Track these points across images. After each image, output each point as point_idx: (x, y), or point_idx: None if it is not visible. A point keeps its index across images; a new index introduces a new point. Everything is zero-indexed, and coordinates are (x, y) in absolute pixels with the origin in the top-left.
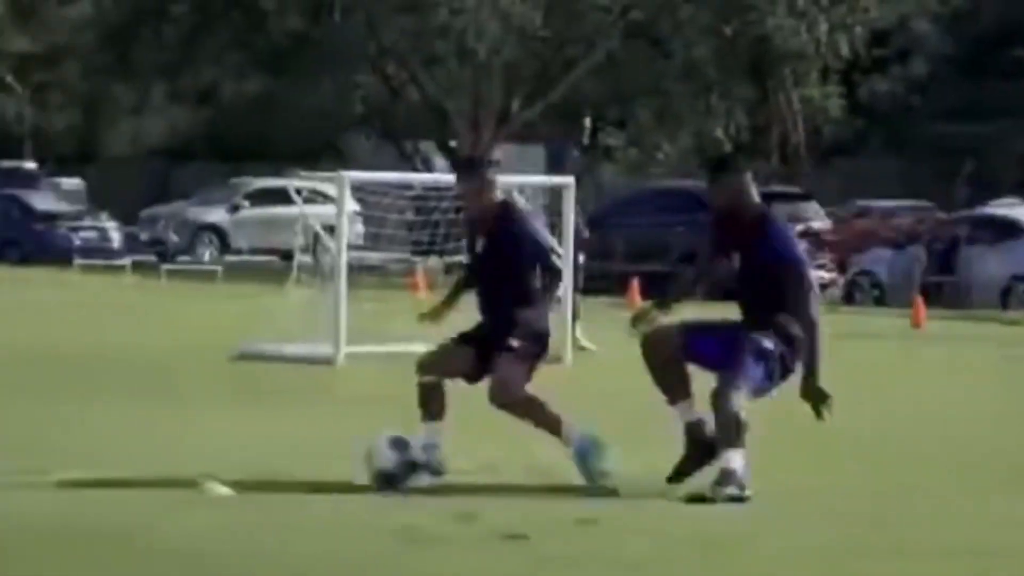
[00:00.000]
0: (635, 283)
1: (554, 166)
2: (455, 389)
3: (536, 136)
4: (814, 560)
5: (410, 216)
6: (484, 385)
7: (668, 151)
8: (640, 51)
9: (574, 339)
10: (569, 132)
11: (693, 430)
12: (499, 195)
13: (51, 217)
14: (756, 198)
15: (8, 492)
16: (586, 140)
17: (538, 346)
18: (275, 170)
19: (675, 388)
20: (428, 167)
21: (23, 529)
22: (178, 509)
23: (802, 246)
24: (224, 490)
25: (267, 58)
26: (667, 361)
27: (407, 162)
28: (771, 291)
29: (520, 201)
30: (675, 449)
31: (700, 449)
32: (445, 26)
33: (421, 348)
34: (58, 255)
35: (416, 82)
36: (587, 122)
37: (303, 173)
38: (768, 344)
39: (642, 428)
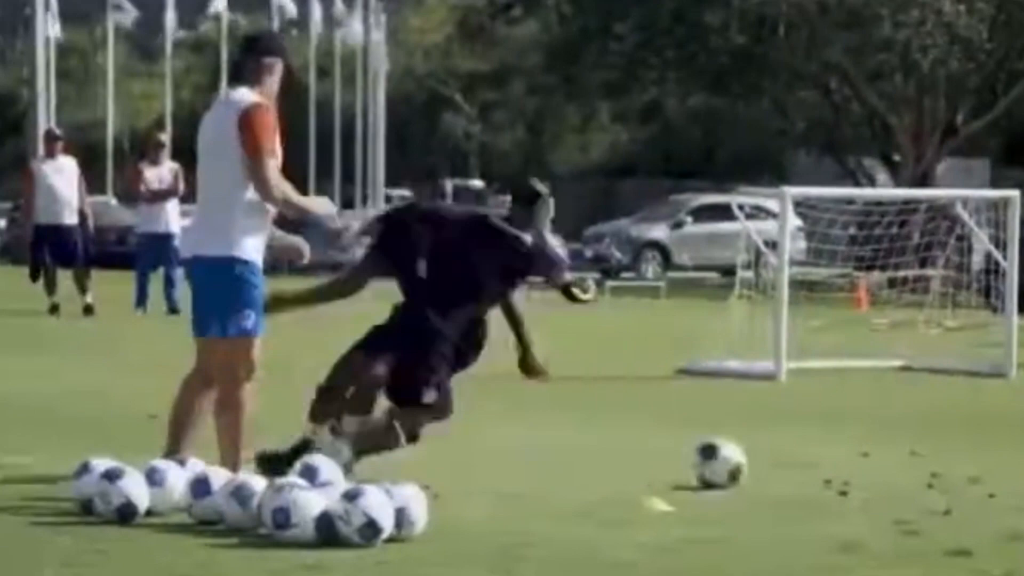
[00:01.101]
0: None
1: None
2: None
3: (981, 150)
4: None
5: (852, 231)
6: None
7: None
8: None
9: None
10: (1013, 145)
11: None
12: None
13: None
14: None
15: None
16: None
17: None
18: (717, 186)
19: None
20: (871, 182)
21: (472, 537)
22: (623, 525)
23: None
24: (665, 507)
25: (710, 75)
26: None
27: (849, 177)
28: None
29: (964, 215)
30: None
31: None
32: (889, 39)
33: (865, 363)
34: None
35: (859, 97)
36: None
37: (745, 189)
38: None
39: None
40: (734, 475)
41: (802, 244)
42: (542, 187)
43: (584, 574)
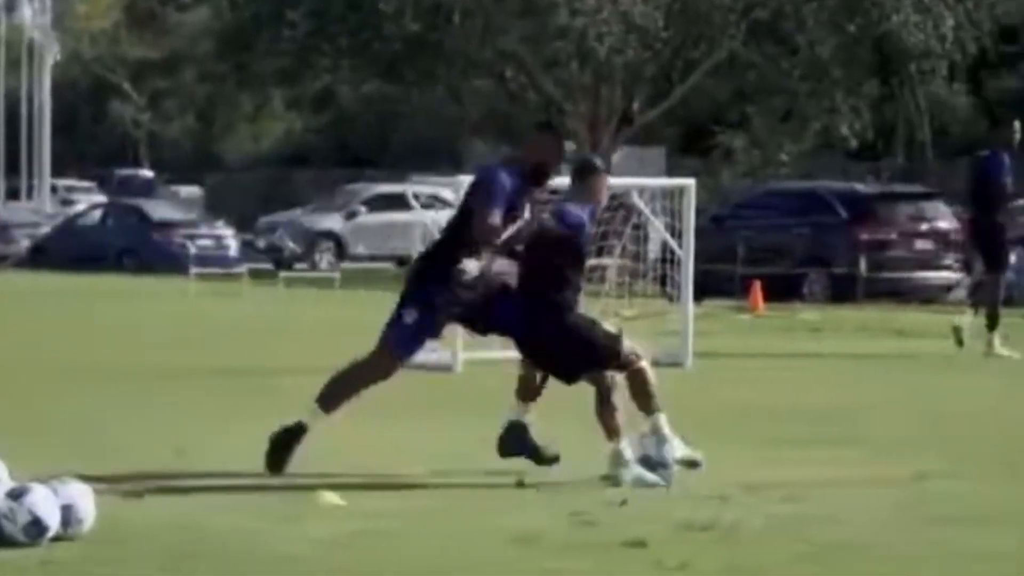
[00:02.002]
0: (757, 286)
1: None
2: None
3: (657, 139)
4: None
5: None
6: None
7: (791, 151)
8: (763, 49)
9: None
10: (690, 134)
11: None
12: None
13: (168, 225)
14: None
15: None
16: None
17: None
18: (392, 175)
19: None
20: None
21: (144, 536)
22: (295, 519)
23: None
24: (338, 500)
25: (384, 62)
26: None
27: None
28: None
29: (640, 204)
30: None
31: None
32: (565, 27)
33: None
34: (174, 264)
35: (535, 85)
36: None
37: (421, 178)
38: None
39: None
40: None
41: None
42: (598, 161)
43: (252, 569)
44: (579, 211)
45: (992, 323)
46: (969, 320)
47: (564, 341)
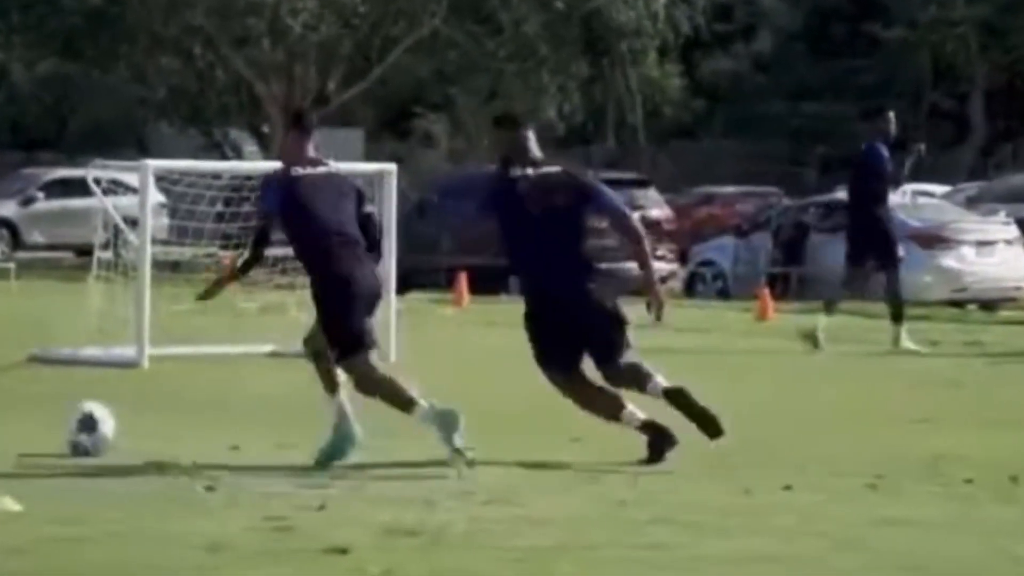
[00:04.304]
0: (463, 277)
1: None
2: None
3: (354, 120)
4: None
5: (219, 207)
6: None
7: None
8: (466, 28)
9: None
10: (388, 115)
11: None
12: None
13: None
14: (536, 153)
15: None
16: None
17: None
18: (71, 159)
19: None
20: (239, 154)
21: None
22: None
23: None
24: (14, 506)
25: (61, 39)
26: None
27: (215, 149)
28: None
29: None
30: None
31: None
32: (256, 3)
33: (234, 349)
34: None
35: (224, 63)
36: None
37: (101, 162)
38: None
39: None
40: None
41: (165, 221)
42: None
43: None
44: None
45: (897, 316)
46: (825, 322)
47: None
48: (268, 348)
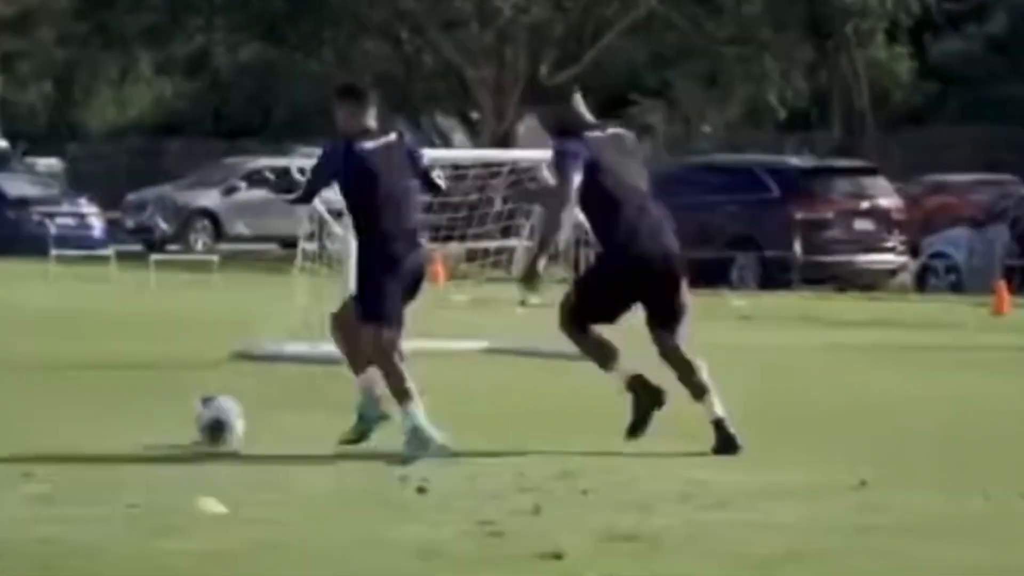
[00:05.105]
0: None
1: None
2: None
3: None
4: None
5: (427, 197)
6: None
7: (715, 122)
8: (684, 8)
9: None
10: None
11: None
12: None
13: (23, 203)
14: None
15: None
16: None
17: None
18: (275, 148)
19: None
20: (447, 142)
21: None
22: (170, 530)
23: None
24: (217, 507)
25: (264, 23)
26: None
27: (422, 137)
28: None
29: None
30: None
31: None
32: None
33: (444, 344)
34: (31, 246)
35: (432, 48)
36: None
37: (306, 150)
38: None
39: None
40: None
41: None
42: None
43: None
44: None
45: None
46: None
47: None
48: (480, 344)
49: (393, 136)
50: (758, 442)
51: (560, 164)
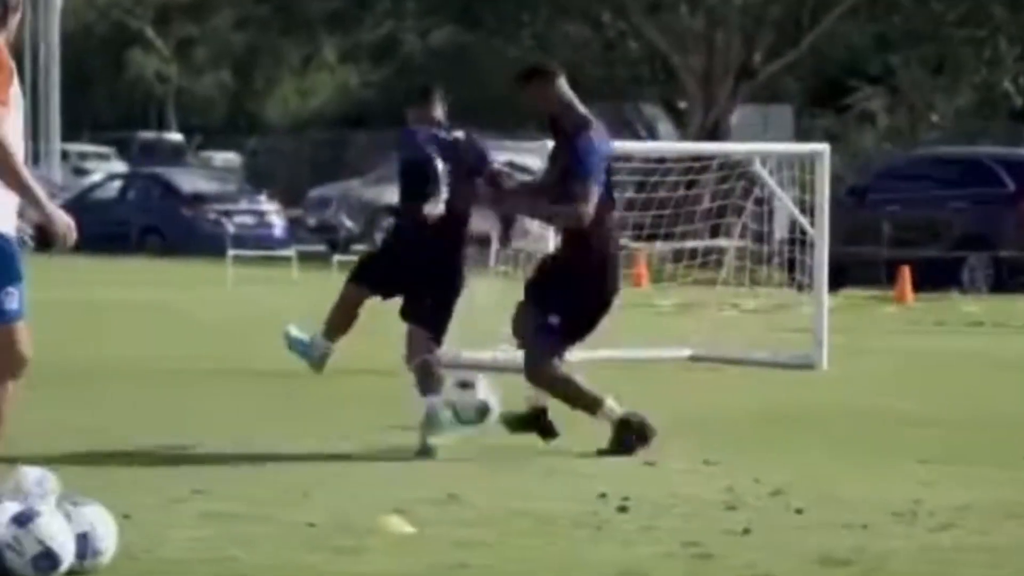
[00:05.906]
0: (906, 272)
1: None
2: None
3: (783, 95)
4: None
5: (630, 193)
6: None
7: (943, 110)
8: None
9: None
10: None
11: None
12: None
13: (200, 199)
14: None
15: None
16: None
17: None
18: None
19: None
20: (651, 133)
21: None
22: (352, 551)
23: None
24: (403, 526)
25: (457, 6)
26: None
27: (625, 128)
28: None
29: (764, 173)
30: None
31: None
32: None
33: (647, 352)
34: (208, 245)
35: (636, 32)
36: None
37: (496, 142)
38: None
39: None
40: (482, 413)
41: None
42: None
43: None
44: None
45: None
46: None
47: None
48: (686, 351)
49: None
50: (986, 458)
51: (587, 164)
